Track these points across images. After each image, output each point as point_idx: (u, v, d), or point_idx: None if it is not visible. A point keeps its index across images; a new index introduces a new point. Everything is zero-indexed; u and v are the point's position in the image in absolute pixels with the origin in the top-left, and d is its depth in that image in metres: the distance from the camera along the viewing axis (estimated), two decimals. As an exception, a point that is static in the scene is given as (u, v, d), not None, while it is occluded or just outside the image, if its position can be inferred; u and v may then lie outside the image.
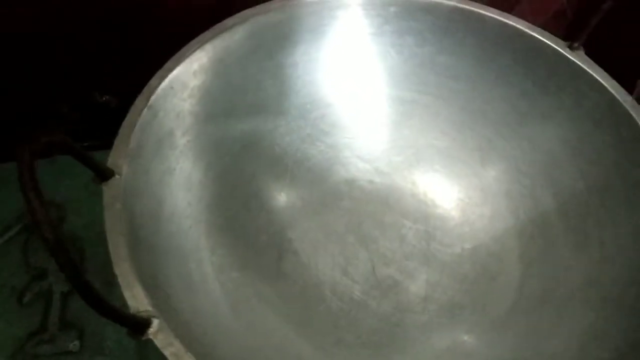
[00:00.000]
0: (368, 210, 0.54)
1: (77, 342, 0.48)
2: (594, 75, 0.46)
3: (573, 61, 0.47)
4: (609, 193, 0.45)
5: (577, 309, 0.42)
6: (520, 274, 0.48)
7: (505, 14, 0.50)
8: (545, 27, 0.49)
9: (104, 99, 0.61)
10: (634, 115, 0.44)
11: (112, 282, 0.33)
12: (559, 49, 0.48)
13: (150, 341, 0.32)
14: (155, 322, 0.32)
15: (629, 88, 0.46)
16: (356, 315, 0.47)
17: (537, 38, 0.49)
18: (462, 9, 0.50)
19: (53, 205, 0.56)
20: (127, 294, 0.33)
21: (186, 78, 0.45)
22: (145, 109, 0.41)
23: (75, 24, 0.53)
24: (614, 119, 0.45)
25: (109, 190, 0.36)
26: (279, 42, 0.50)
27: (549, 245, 0.48)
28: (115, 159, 0.38)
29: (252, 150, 0.51)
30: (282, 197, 0.53)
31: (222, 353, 0.37)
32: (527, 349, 0.43)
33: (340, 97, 0.55)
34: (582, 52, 0.47)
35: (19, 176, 0.26)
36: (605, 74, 0.46)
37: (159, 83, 0.42)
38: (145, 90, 0.42)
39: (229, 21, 0.46)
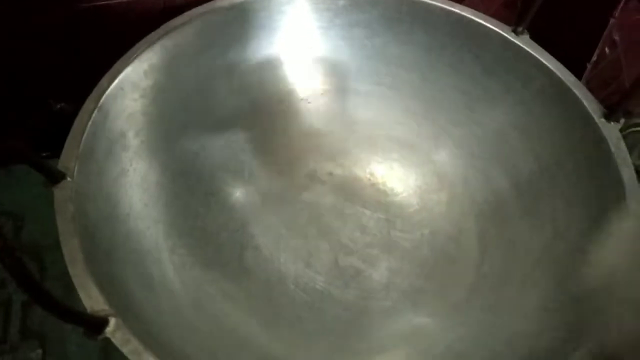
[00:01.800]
0: (328, 202, 0.54)
1: (39, 351, 0.47)
2: (538, 57, 0.47)
3: (518, 45, 0.48)
4: (560, 172, 0.47)
5: (534, 287, 0.43)
6: (479, 255, 0.49)
7: (451, 2, 0.51)
8: (496, 15, 0.50)
9: (59, 106, 0.60)
10: (577, 94, 0.45)
11: (72, 286, 0.33)
12: (504, 33, 0.49)
13: (111, 343, 0.32)
14: (112, 321, 0.32)
15: (575, 71, 0.47)
16: (320, 306, 0.48)
17: (482, 24, 0.50)
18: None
19: (10, 215, 0.55)
20: (82, 294, 0.33)
21: (137, 78, 0.45)
22: (96, 111, 0.41)
23: (20, 33, 0.53)
24: (559, 99, 0.46)
25: (60, 192, 0.36)
26: (230, 39, 0.50)
27: (505, 226, 0.49)
28: (65, 161, 0.38)
29: (209, 149, 0.51)
30: (241, 194, 0.52)
31: (184, 349, 0.37)
32: (487, 329, 0.44)
33: (295, 91, 0.55)
34: (526, 37, 0.49)
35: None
36: (549, 55, 0.47)
37: (109, 84, 0.42)
38: (95, 91, 0.42)
39: (176, 20, 0.47)
